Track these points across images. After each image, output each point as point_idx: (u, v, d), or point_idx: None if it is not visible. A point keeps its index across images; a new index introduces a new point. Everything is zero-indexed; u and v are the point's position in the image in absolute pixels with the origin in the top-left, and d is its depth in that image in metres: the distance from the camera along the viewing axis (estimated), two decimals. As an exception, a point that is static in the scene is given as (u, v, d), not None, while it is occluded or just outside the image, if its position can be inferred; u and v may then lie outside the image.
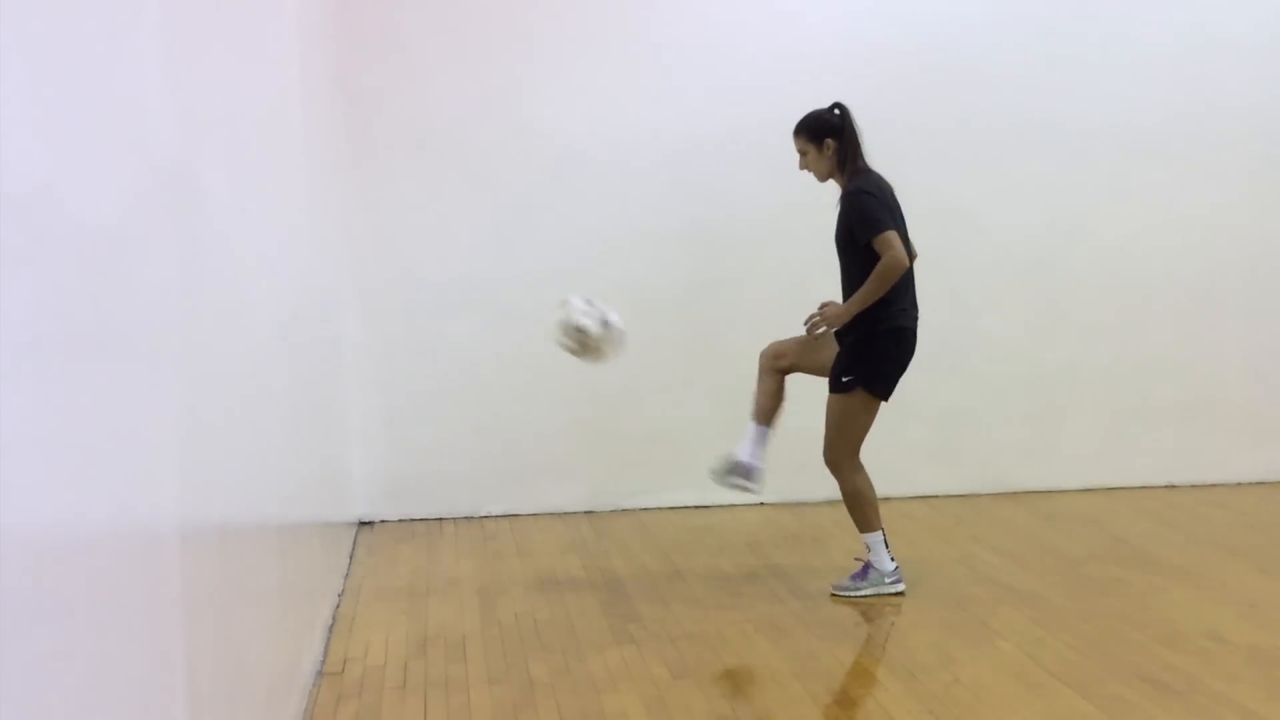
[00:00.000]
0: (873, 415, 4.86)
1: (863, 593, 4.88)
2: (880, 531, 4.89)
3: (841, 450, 4.87)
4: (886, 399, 4.86)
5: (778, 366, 5.05)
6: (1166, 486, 6.74)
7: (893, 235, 4.66)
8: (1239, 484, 6.77)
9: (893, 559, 4.91)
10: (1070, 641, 4.32)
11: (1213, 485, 6.73)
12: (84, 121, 1.73)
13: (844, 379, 4.82)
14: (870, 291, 4.67)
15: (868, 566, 4.91)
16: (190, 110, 2.43)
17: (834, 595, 4.90)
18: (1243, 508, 6.31)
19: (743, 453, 5.03)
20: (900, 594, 4.88)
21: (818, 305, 4.95)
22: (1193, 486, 6.73)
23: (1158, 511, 6.21)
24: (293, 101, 4.22)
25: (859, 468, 4.89)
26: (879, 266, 4.64)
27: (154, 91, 2.11)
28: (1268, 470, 6.81)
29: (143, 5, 2.06)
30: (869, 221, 4.68)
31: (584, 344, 4.90)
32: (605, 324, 4.90)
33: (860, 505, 4.88)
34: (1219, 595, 4.83)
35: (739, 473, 5.03)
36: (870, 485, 4.89)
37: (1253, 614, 4.61)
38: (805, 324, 4.89)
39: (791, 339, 5.05)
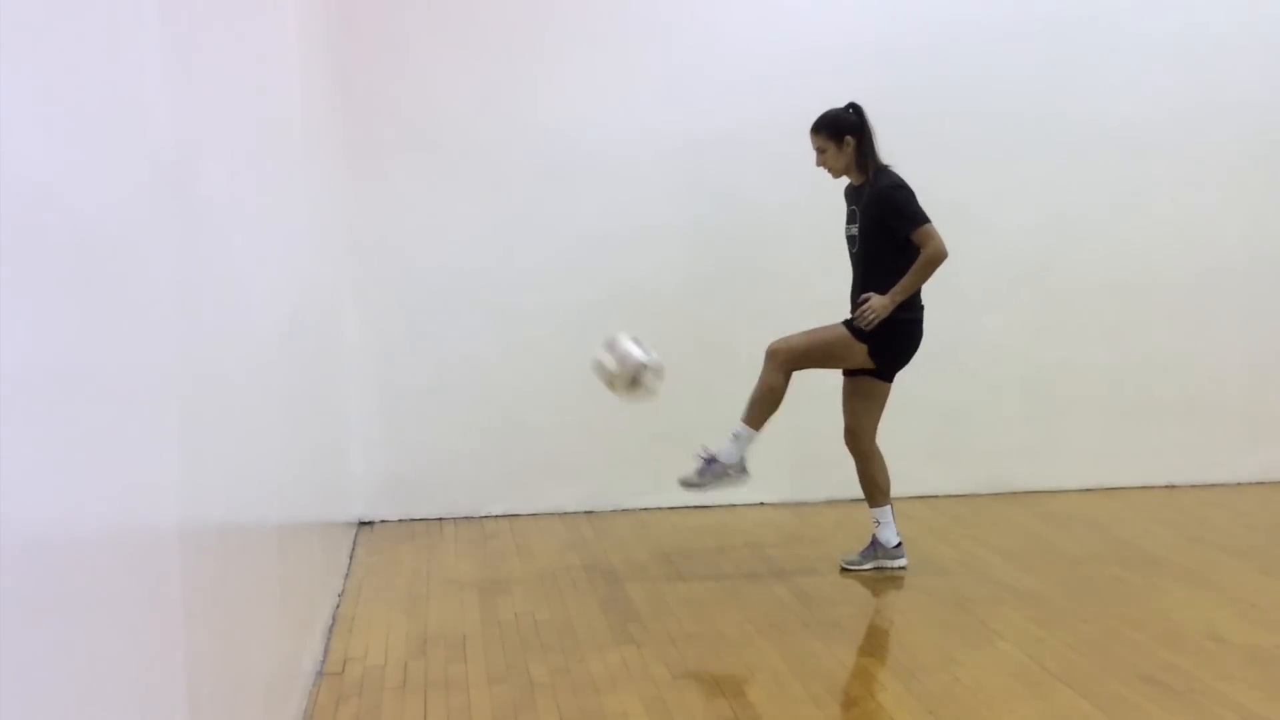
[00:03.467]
0: (886, 397, 5.12)
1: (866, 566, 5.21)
2: (889, 507, 5.19)
3: (868, 431, 5.14)
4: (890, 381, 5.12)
5: (796, 367, 5.05)
6: (1166, 486, 6.73)
7: (933, 227, 4.87)
8: (1239, 484, 6.77)
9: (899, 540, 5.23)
10: (1070, 641, 4.32)
11: (1213, 485, 6.73)
12: (84, 121, 1.73)
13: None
14: (915, 281, 4.89)
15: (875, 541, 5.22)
16: (190, 110, 2.43)
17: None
18: (1243, 508, 6.31)
19: (730, 455, 5.06)
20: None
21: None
22: (1193, 486, 6.72)
23: (1158, 511, 6.21)
24: (293, 101, 4.22)
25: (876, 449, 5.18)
26: (924, 257, 4.85)
27: (154, 91, 2.11)
28: (1268, 470, 6.81)
29: (143, 5, 2.06)
30: (909, 214, 4.88)
31: (623, 379, 4.96)
32: (629, 360, 4.95)
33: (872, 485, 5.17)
34: (1219, 595, 4.83)
35: (728, 473, 5.08)
36: (885, 469, 5.18)
37: (1253, 614, 4.61)
38: (856, 320, 4.94)
39: (802, 336, 5.07)
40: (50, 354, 1.54)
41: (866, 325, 4.92)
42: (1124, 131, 6.62)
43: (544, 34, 6.26)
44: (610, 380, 4.97)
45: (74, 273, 1.65)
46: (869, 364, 5.02)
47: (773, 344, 5.04)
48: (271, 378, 3.42)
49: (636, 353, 4.93)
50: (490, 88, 6.21)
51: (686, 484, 5.09)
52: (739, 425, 5.05)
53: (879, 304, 4.90)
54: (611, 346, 4.97)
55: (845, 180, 5.16)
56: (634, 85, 6.31)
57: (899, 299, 4.89)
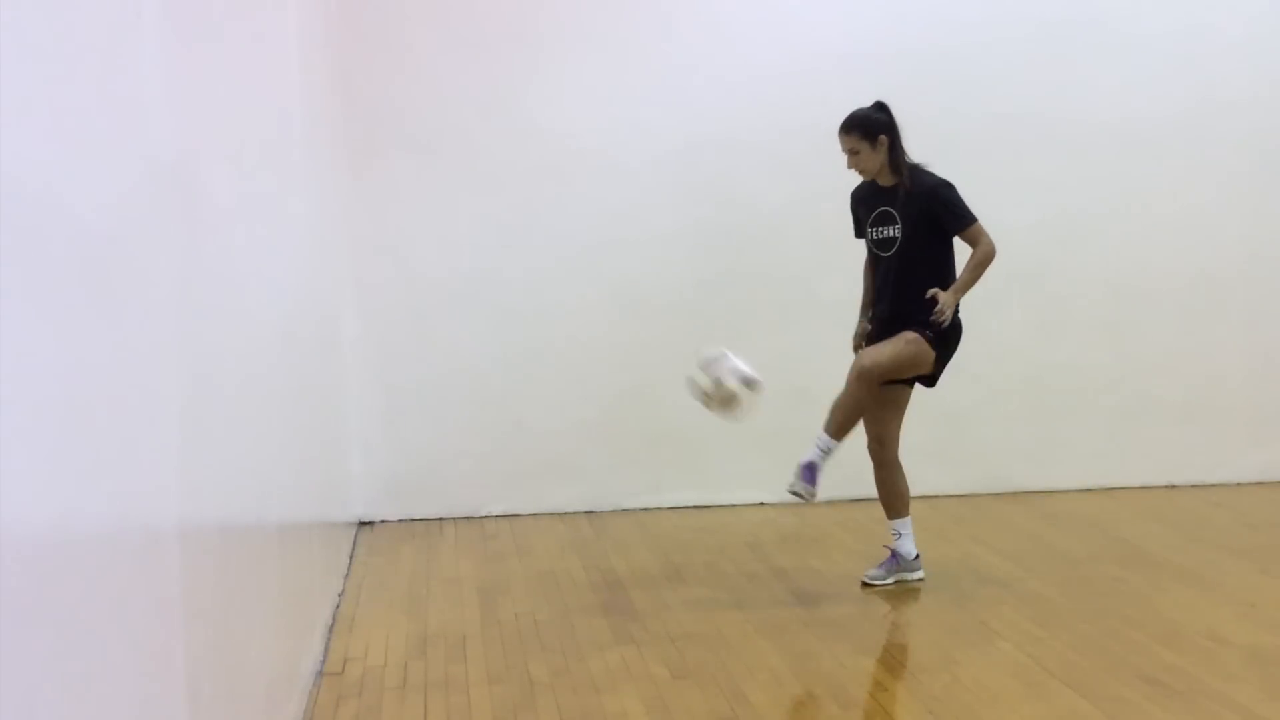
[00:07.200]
0: (908, 403, 5.03)
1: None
2: (909, 518, 5.05)
3: (894, 438, 5.02)
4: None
5: (885, 380, 4.90)
6: (1166, 486, 6.73)
7: (982, 225, 4.87)
8: (1239, 484, 6.76)
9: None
10: (1070, 641, 4.32)
11: (1213, 485, 6.73)
12: (84, 121, 1.73)
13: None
14: (973, 278, 4.87)
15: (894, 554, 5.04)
16: (190, 110, 2.43)
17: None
18: (1243, 508, 6.31)
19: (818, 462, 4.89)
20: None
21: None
22: (1193, 486, 6.72)
23: (1158, 511, 6.21)
24: (293, 101, 4.22)
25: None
26: (980, 254, 4.84)
27: (154, 91, 2.11)
28: (1268, 470, 6.81)
29: (143, 5, 2.06)
30: (962, 213, 4.88)
31: (721, 398, 4.83)
32: (734, 383, 4.81)
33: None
34: (1219, 595, 4.83)
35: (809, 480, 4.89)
36: (905, 478, 5.05)
37: (1253, 614, 4.61)
38: (933, 318, 4.78)
39: (885, 348, 4.87)
40: (50, 354, 1.54)
41: (944, 323, 4.79)
42: (1124, 131, 6.62)
43: (544, 35, 6.26)
44: (705, 399, 4.83)
45: (74, 273, 1.65)
46: (926, 369, 4.89)
47: (863, 364, 4.86)
48: (271, 378, 3.42)
49: (732, 373, 4.77)
50: (490, 88, 6.21)
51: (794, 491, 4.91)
52: (822, 437, 4.89)
53: (949, 300, 4.80)
54: (708, 366, 4.81)
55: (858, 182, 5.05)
56: (635, 86, 6.31)
57: (960, 296, 4.83)
